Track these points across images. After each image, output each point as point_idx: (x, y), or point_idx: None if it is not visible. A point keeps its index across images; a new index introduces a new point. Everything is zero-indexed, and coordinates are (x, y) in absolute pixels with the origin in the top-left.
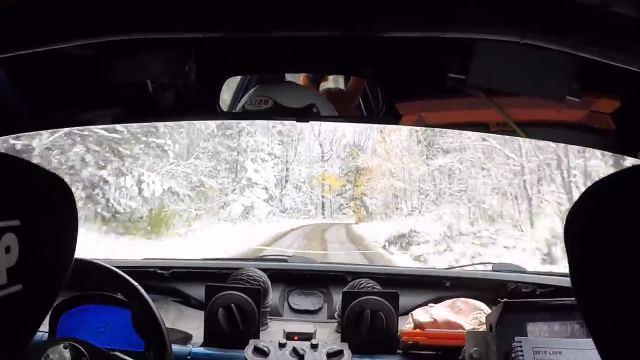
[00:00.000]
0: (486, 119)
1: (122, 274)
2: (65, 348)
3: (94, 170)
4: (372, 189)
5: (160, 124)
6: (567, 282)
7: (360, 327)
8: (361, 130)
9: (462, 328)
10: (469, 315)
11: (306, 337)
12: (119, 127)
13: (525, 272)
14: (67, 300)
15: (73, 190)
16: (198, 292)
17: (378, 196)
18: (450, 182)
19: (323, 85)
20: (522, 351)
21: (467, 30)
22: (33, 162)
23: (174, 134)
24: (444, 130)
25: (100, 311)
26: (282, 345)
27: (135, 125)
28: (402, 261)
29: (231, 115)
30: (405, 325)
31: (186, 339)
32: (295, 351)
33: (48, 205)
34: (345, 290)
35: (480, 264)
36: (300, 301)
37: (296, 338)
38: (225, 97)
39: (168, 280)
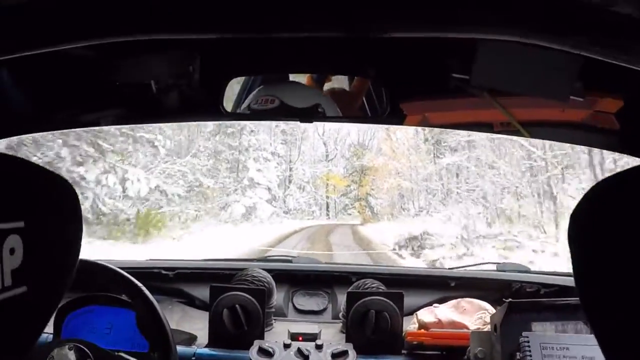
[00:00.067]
0: (490, 118)
1: (127, 275)
2: (70, 349)
3: (71, 166)
4: (377, 188)
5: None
6: (571, 282)
7: (364, 327)
8: (366, 129)
9: (467, 328)
10: (473, 315)
11: (310, 337)
12: None
13: (529, 271)
14: (71, 301)
15: None
16: (202, 292)
17: (384, 196)
18: (459, 181)
19: (327, 86)
20: (529, 346)
21: (470, 30)
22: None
23: (164, 129)
24: None
25: (105, 312)
26: (286, 346)
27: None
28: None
29: (235, 115)
30: (410, 325)
31: (190, 339)
32: (299, 351)
33: (52, 206)
34: (349, 290)
35: (484, 263)
36: (305, 301)
37: (300, 338)
38: (229, 97)
39: (172, 280)
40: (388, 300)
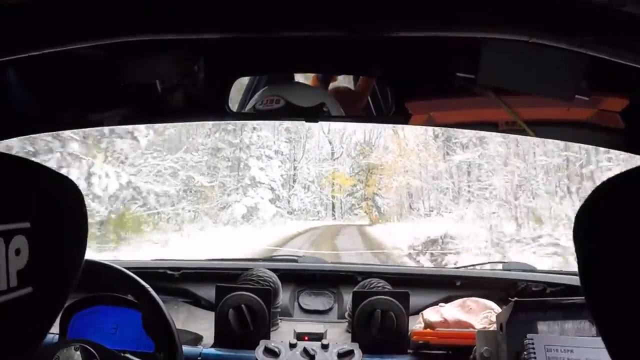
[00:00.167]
0: (495, 117)
1: (132, 275)
2: (76, 349)
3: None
4: (385, 187)
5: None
6: (576, 281)
7: (370, 327)
8: (372, 127)
9: (473, 327)
10: (479, 314)
11: (316, 337)
12: None
13: (535, 270)
14: (77, 302)
15: None
16: (208, 292)
17: (392, 195)
18: (470, 178)
19: (332, 85)
20: (533, 348)
21: (476, 30)
22: None
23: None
24: None
25: (111, 312)
26: (292, 346)
27: None
28: None
29: (241, 115)
30: (416, 325)
31: (196, 339)
32: (305, 351)
33: (57, 206)
34: (355, 289)
35: (490, 262)
36: (311, 301)
37: (306, 338)
38: (235, 97)
39: (178, 280)
40: (394, 300)
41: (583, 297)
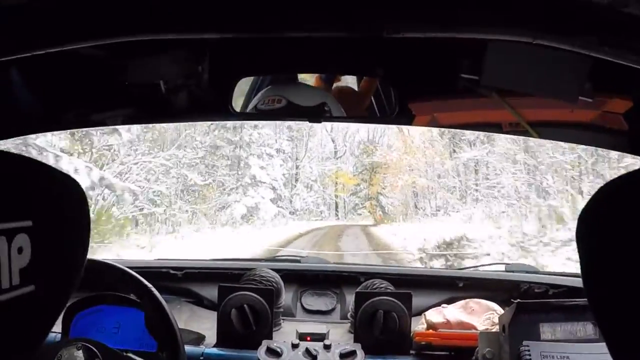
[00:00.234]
0: (499, 119)
1: (135, 274)
2: (78, 349)
3: None
4: (391, 186)
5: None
6: (579, 282)
7: (373, 328)
8: (376, 126)
9: (475, 328)
10: (481, 316)
11: (319, 337)
12: None
13: (537, 272)
14: (79, 301)
15: None
16: (211, 292)
17: (396, 194)
18: (477, 177)
19: (335, 85)
20: (529, 355)
21: (479, 31)
22: None
23: None
24: None
25: (113, 312)
26: (294, 346)
27: None
28: None
29: (244, 115)
30: (418, 326)
31: (199, 339)
32: (307, 351)
33: (60, 205)
34: (357, 290)
35: (493, 264)
36: (313, 301)
37: (309, 338)
38: (238, 97)
39: (180, 280)
40: (396, 301)
41: (585, 299)
